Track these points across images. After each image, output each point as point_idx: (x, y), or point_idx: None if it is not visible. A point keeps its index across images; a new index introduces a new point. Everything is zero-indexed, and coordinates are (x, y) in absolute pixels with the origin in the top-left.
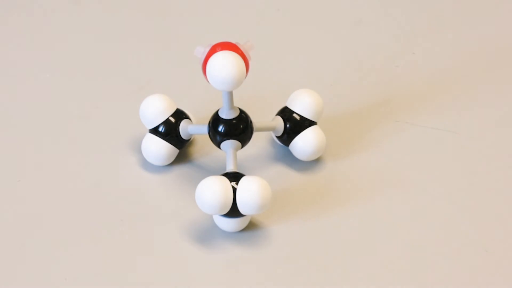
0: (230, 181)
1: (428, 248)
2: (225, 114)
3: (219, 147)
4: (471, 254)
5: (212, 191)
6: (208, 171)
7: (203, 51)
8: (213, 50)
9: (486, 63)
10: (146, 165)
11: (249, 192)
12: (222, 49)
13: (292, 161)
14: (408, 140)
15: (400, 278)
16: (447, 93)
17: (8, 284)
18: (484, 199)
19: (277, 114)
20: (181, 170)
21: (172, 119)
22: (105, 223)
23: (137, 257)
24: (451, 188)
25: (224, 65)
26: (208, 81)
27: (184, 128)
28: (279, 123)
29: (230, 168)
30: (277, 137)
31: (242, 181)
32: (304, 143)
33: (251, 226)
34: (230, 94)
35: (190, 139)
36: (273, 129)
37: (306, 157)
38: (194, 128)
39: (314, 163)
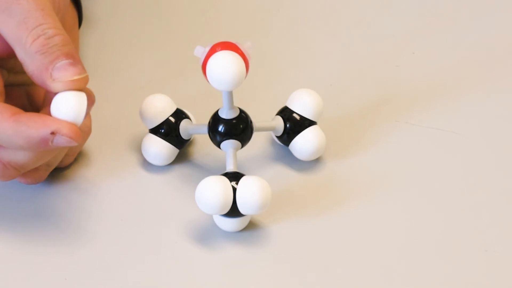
0: (230, 181)
1: (428, 248)
2: (225, 114)
3: (219, 147)
4: (471, 254)
5: (212, 191)
6: (208, 171)
7: (203, 51)
8: (213, 50)
9: (486, 63)
10: (146, 165)
11: (249, 192)
12: (222, 49)
13: (292, 161)
14: (408, 140)
15: (399, 278)
16: (447, 93)
17: (8, 284)
18: (484, 199)
19: (277, 114)
20: (181, 170)
21: (172, 119)
22: (105, 223)
23: (136, 257)
24: (451, 188)
25: (224, 65)
26: (208, 81)
27: (184, 128)
28: (279, 123)
29: (230, 168)
30: (277, 137)
31: (242, 181)
32: (304, 143)
33: (251, 226)
34: (230, 94)
35: (190, 139)
36: (273, 129)
37: (306, 157)
38: (194, 128)
39: (314, 163)
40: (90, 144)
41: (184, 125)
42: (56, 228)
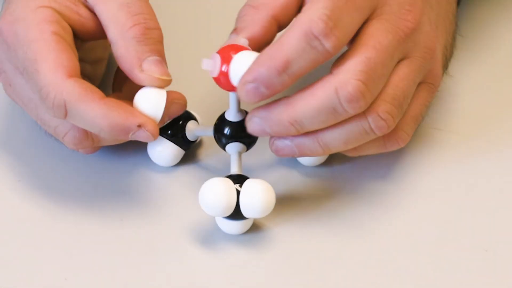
0: (234, 183)
1: (428, 248)
2: (231, 117)
3: (224, 149)
4: (471, 254)
5: (215, 193)
6: (214, 173)
7: (213, 62)
8: (227, 56)
9: (486, 63)
10: (152, 166)
11: (253, 195)
12: (236, 52)
13: (296, 164)
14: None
15: (400, 278)
16: (447, 92)
17: (8, 284)
18: (484, 198)
19: None
20: (186, 171)
21: (179, 121)
22: (109, 223)
23: (139, 258)
24: (451, 188)
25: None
26: (224, 89)
27: (191, 130)
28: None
29: (235, 170)
30: None
31: (246, 184)
32: None
33: (254, 229)
34: (238, 96)
35: (196, 140)
36: None
37: (310, 162)
38: (200, 130)
39: (317, 166)
40: None
41: (190, 126)
42: (58, 228)
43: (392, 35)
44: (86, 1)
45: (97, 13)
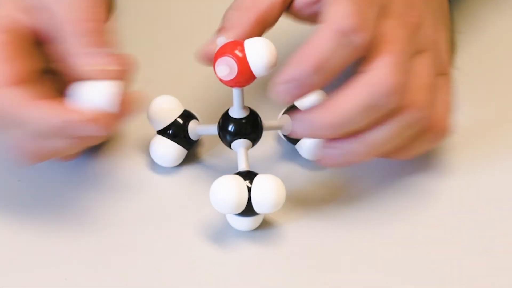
0: (244, 180)
1: (429, 248)
2: (235, 113)
3: (230, 147)
4: (471, 254)
5: (227, 190)
6: (217, 171)
7: (229, 66)
8: (234, 54)
9: (486, 63)
10: (154, 167)
11: (264, 191)
12: (241, 48)
13: (302, 158)
14: None
15: (403, 277)
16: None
17: (7, 284)
18: (483, 198)
19: (284, 113)
20: (190, 171)
21: (180, 120)
22: (114, 225)
23: (141, 258)
24: (451, 187)
25: (267, 49)
26: (233, 86)
27: (193, 129)
28: (287, 122)
29: (242, 167)
30: (284, 135)
31: (256, 179)
32: (311, 142)
33: (264, 225)
34: (242, 93)
35: (197, 139)
36: (281, 127)
37: (313, 155)
38: (203, 129)
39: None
40: (97, 146)
41: (192, 126)
42: (58, 228)
43: (404, 30)
44: (41, 4)
45: (51, 14)
